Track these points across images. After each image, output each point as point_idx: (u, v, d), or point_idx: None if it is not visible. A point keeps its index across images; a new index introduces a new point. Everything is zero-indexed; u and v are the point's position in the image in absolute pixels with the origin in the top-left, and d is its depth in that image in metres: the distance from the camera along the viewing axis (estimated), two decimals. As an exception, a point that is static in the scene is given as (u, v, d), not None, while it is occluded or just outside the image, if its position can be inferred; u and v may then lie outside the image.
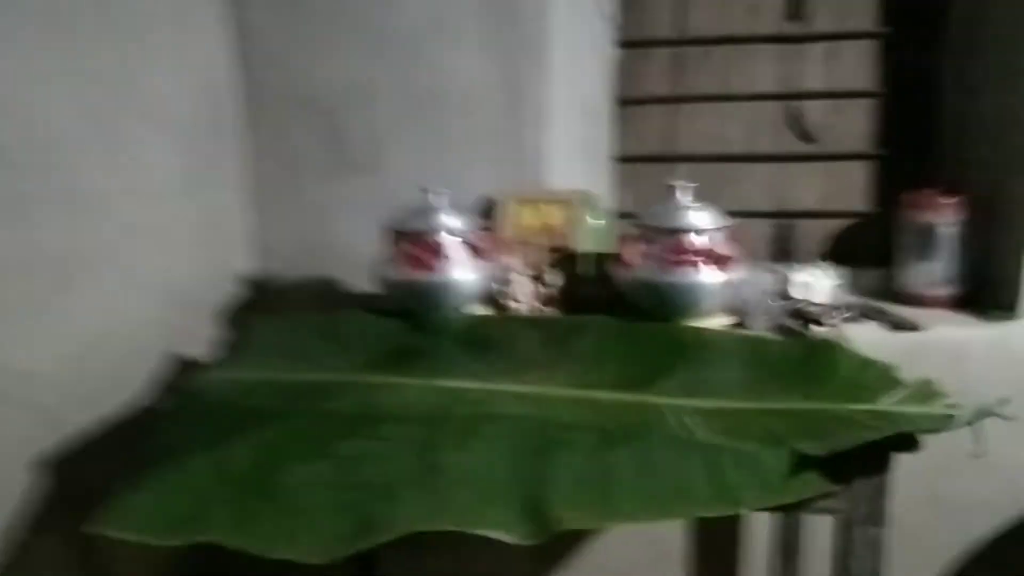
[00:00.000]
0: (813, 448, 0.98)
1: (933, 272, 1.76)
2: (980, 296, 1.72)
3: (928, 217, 1.75)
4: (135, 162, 1.56)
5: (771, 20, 1.98)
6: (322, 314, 1.58)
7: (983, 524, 1.70)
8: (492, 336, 1.41)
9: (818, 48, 1.96)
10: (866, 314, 1.64)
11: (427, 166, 1.84)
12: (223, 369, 1.34)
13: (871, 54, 1.94)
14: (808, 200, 2.01)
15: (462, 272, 1.45)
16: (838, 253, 1.97)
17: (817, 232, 2.01)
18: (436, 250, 1.45)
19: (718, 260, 1.36)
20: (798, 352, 1.27)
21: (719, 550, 1.78)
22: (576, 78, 1.85)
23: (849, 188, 2.00)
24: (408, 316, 1.48)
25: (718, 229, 1.39)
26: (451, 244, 1.47)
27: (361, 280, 1.85)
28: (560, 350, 1.33)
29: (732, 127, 2.03)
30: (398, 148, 1.85)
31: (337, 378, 1.29)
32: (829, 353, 1.24)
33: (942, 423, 1.01)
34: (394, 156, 1.85)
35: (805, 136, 1.99)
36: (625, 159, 2.08)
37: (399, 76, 1.81)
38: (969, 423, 1.00)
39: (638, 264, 1.40)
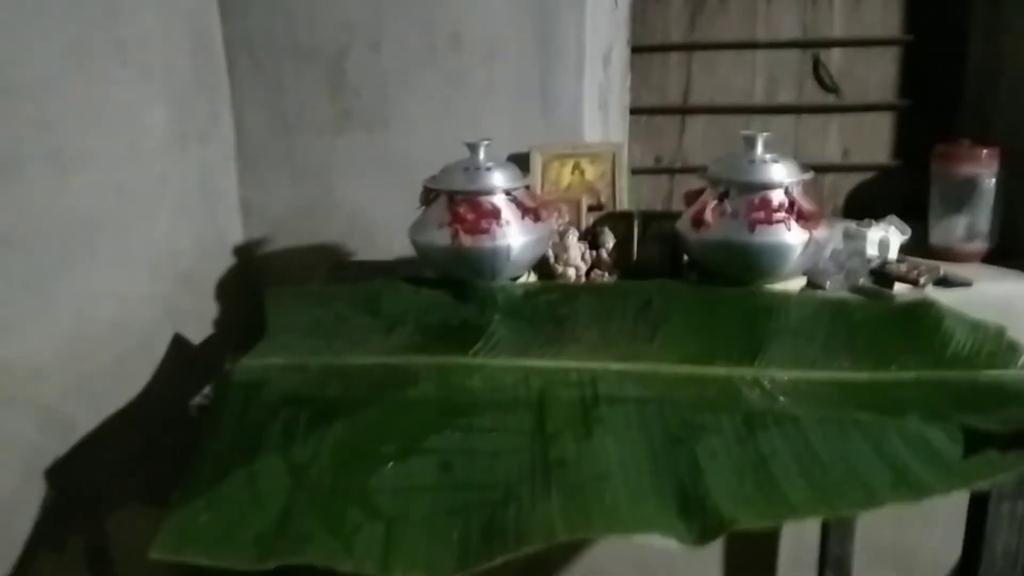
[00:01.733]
0: (986, 423, 0.90)
1: (969, 226, 1.71)
2: (1016, 249, 1.69)
3: (965, 169, 1.70)
4: (119, 112, 1.33)
5: (794, -37, 1.87)
6: (350, 285, 1.39)
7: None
8: (559, 308, 1.27)
9: (841, -6, 1.87)
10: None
11: (442, 120, 1.66)
12: (260, 355, 1.16)
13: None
14: (831, 153, 1.94)
15: (519, 236, 1.30)
16: (863, 207, 1.90)
17: (842, 186, 1.94)
18: (492, 213, 1.29)
19: (804, 216, 1.26)
20: (896, 315, 1.19)
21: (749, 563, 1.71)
22: (601, 21, 1.70)
23: (873, 140, 1.93)
24: (456, 287, 1.32)
25: (799, 182, 1.28)
26: (507, 206, 1.31)
27: (371, 246, 1.69)
28: (641, 322, 1.21)
29: (751, 77, 1.92)
30: (409, 100, 1.66)
31: (398, 361, 1.13)
32: (931, 316, 1.16)
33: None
34: (404, 109, 1.67)
35: (829, 86, 1.90)
36: (639, 110, 1.95)
37: (411, 18, 1.62)
38: None
39: (715, 223, 1.28)
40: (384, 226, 1.71)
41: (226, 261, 1.65)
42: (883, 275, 1.30)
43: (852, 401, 0.96)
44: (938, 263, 1.32)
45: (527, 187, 1.37)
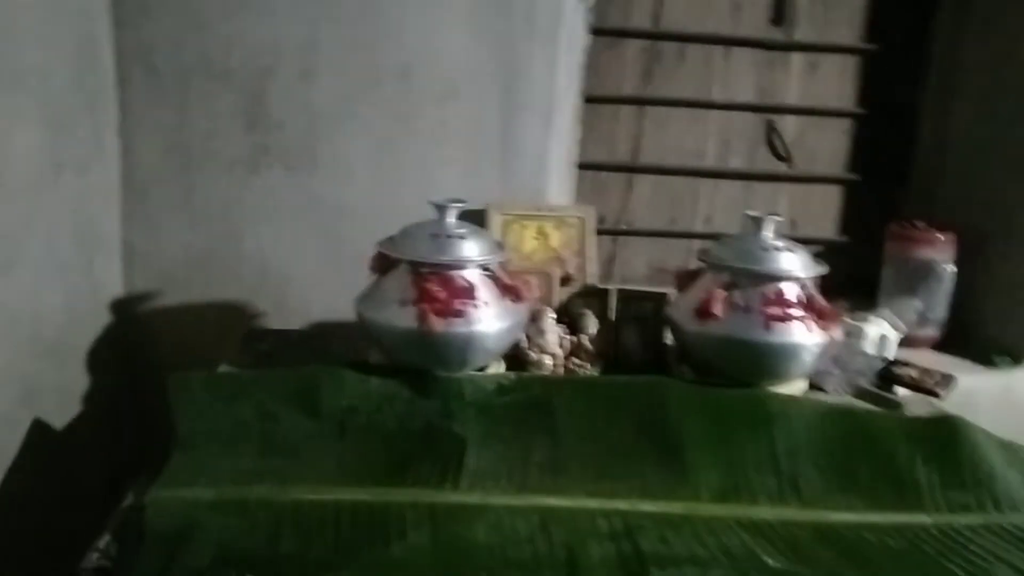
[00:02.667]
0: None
1: (923, 311, 1.66)
2: (969, 340, 1.65)
3: (922, 252, 1.65)
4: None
5: (753, 22, 1.77)
6: (274, 370, 1.12)
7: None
8: (542, 411, 1.06)
9: (799, 59, 1.79)
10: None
11: (382, 164, 1.42)
12: (177, 482, 0.86)
13: (852, 71, 1.81)
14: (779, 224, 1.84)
15: (496, 321, 1.08)
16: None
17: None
18: (467, 291, 1.07)
19: (822, 315, 1.12)
20: (919, 432, 1.07)
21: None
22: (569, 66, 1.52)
23: (821, 213, 1.87)
24: (413, 377, 1.08)
25: (815, 276, 1.15)
26: (482, 282, 1.09)
27: (283, 308, 1.41)
28: (650, 434, 1.02)
29: (704, 138, 1.80)
30: (343, 138, 1.41)
31: (370, 498, 0.87)
32: (961, 435, 1.05)
33: None
34: (336, 148, 1.41)
35: (781, 154, 1.81)
36: (586, 166, 1.78)
37: (354, 43, 1.36)
38: None
39: (722, 316, 1.11)
40: (301, 285, 1.44)
41: (102, 323, 1.31)
42: (887, 378, 1.18)
43: (932, 560, 0.81)
44: (951, 372, 1.21)
45: (503, 261, 1.15)
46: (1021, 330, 1.57)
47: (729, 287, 1.13)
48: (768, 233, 1.15)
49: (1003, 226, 1.62)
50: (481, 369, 1.13)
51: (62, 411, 1.19)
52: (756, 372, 1.11)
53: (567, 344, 1.20)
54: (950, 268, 1.62)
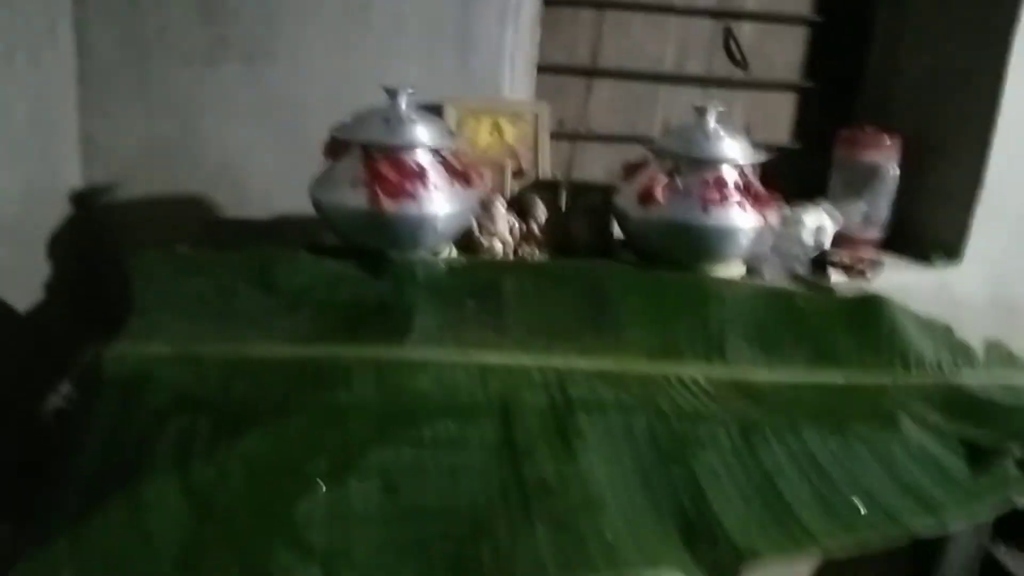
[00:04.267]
0: (978, 434, 0.84)
1: (867, 212, 1.72)
2: (911, 239, 1.72)
3: (868, 156, 1.70)
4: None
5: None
6: (233, 251, 1.15)
7: None
8: (492, 289, 1.11)
9: (757, -37, 1.81)
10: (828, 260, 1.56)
11: (340, 58, 1.42)
12: (135, 339, 0.90)
13: (809, -23, 1.83)
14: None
15: (447, 204, 1.12)
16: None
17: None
18: (418, 174, 1.10)
19: (758, 199, 1.17)
20: (847, 310, 1.13)
21: None
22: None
23: (775, 119, 1.90)
24: (368, 258, 1.12)
25: (756, 162, 1.19)
26: (433, 166, 1.12)
27: (243, 201, 1.45)
28: (591, 309, 1.07)
29: (662, 44, 1.82)
30: (301, 31, 1.41)
31: (321, 353, 0.92)
32: (885, 313, 1.11)
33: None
34: (294, 41, 1.42)
35: (738, 60, 1.84)
36: (545, 69, 1.80)
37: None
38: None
39: (666, 201, 1.16)
40: (262, 178, 1.46)
41: (62, 211, 1.33)
42: (821, 263, 1.24)
43: (840, 408, 0.88)
44: (879, 255, 1.27)
45: (455, 146, 1.19)
46: (957, 230, 1.63)
47: (671, 173, 1.17)
48: (711, 121, 1.19)
49: (946, 133, 1.67)
50: (434, 253, 1.18)
51: (21, 295, 1.22)
52: (694, 254, 1.17)
53: (517, 231, 1.24)
54: (894, 171, 1.67)
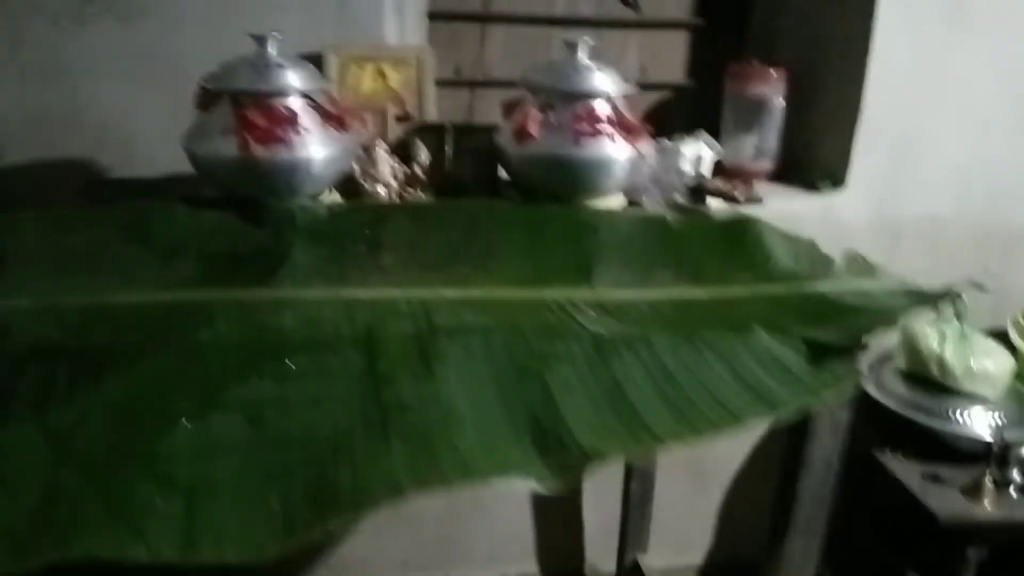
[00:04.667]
0: (823, 335, 0.90)
1: (757, 145, 1.77)
2: (800, 169, 1.77)
3: (756, 89, 1.74)
4: None
5: None
6: (110, 208, 1.14)
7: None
8: (372, 231, 1.12)
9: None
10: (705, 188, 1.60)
11: (215, 11, 1.40)
12: (-3, 294, 0.90)
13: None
14: (629, 70, 1.91)
15: (320, 148, 1.13)
16: (659, 125, 1.91)
17: (638, 104, 1.92)
18: (288, 119, 1.10)
19: (628, 130, 1.20)
20: (718, 231, 1.18)
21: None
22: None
23: (670, 58, 1.93)
24: (245, 207, 1.13)
25: (626, 94, 1.22)
26: (305, 111, 1.13)
27: (128, 163, 1.42)
28: (467, 244, 1.10)
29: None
30: (170, -16, 1.38)
31: (184, 296, 0.93)
32: (752, 231, 1.17)
33: (921, 300, 0.98)
34: (166, -5, 1.39)
35: (630, 2, 1.86)
36: (437, 16, 1.79)
37: None
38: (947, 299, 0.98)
39: (540, 136, 1.18)
40: (145, 138, 1.44)
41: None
42: (699, 191, 1.29)
43: (697, 320, 0.93)
44: (751, 180, 1.32)
45: (327, 91, 1.19)
46: (840, 157, 1.69)
47: (544, 109, 1.19)
48: (582, 56, 1.21)
49: (826, 62, 1.72)
50: (314, 200, 1.18)
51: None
52: (570, 187, 1.20)
53: (401, 175, 1.26)
54: (781, 104, 1.72)
